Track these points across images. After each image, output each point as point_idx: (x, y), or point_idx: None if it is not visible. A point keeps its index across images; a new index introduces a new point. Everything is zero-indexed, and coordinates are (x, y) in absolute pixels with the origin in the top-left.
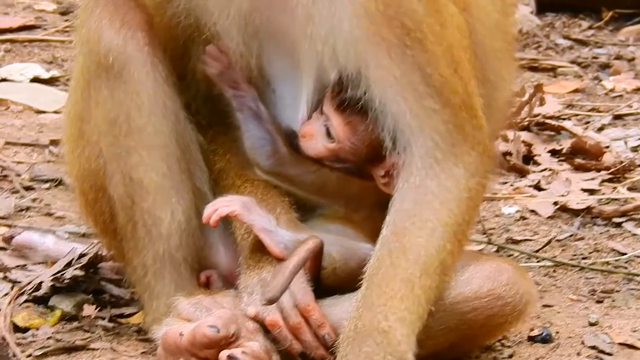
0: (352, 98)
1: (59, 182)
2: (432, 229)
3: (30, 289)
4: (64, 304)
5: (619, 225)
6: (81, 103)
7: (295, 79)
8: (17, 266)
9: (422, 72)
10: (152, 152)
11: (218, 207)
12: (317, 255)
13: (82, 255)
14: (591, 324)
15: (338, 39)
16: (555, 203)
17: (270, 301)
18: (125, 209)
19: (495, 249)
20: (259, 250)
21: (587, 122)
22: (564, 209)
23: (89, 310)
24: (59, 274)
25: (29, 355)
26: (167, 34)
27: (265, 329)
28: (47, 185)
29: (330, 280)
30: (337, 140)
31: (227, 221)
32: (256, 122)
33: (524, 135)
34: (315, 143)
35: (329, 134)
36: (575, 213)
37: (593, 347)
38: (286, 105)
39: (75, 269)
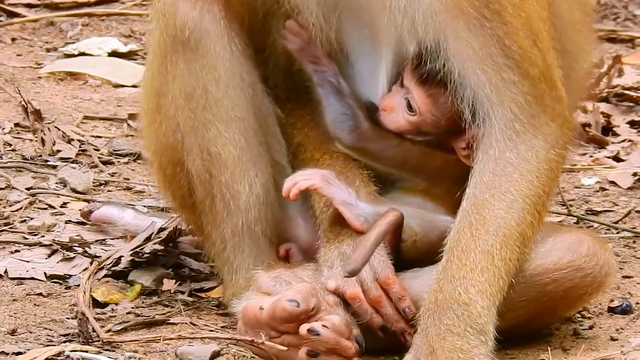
0: (432, 70)
1: (137, 156)
2: (511, 201)
3: (110, 263)
4: (144, 279)
5: None
6: (158, 77)
7: (374, 52)
8: (96, 241)
9: (501, 44)
10: (229, 125)
11: (297, 181)
12: (398, 228)
13: (161, 230)
14: None
15: (417, 11)
16: (635, 174)
17: (352, 273)
18: (204, 182)
19: (574, 220)
20: (339, 223)
21: None
22: None
23: (169, 284)
24: (138, 249)
25: (109, 331)
26: (246, 7)
27: (346, 303)
28: (125, 159)
29: (411, 253)
30: (418, 113)
31: (306, 194)
32: (338, 97)
33: (603, 107)
34: (396, 116)
35: (410, 107)
36: None
37: None
38: (365, 79)
39: (155, 243)
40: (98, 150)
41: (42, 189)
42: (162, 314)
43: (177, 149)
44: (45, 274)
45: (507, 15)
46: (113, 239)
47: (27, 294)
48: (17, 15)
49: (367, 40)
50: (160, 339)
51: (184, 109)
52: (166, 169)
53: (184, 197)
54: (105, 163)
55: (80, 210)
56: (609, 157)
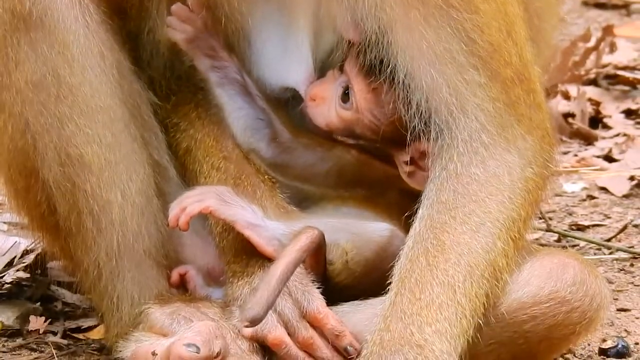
0: (381, 60)
1: None
2: (478, 224)
3: None
4: (4, 316)
5: None
6: None
7: (290, 24)
8: None
9: (466, 37)
10: (91, 118)
11: (186, 205)
12: (318, 249)
13: (26, 252)
14: None
15: None
16: (632, 178)
17: (254, 321)
18: (65, 195)
19: (555, 237)
20: (246, 251)
21: None
22: None
23: (37, 323)
24: None
25: None
26: None
27: (268, 349)
28: None
29: (342, 277)
30: (355, 109)
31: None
32: (246, 99)
33: (590, 91)
34: (326, 109)
35: (346, 98)
36: None
37: None
38: (278, 62)
39: (18, 270)
40: None
41: None
42: None
43: (28, 155)
44: None
45: (478, 1)
46: None
47: None
48: None
49: (278, 10)
50: None
51: (33, 102)
52: (17, 182)
53: (44, 217)
54: None
55: None
56: (598, 157)
